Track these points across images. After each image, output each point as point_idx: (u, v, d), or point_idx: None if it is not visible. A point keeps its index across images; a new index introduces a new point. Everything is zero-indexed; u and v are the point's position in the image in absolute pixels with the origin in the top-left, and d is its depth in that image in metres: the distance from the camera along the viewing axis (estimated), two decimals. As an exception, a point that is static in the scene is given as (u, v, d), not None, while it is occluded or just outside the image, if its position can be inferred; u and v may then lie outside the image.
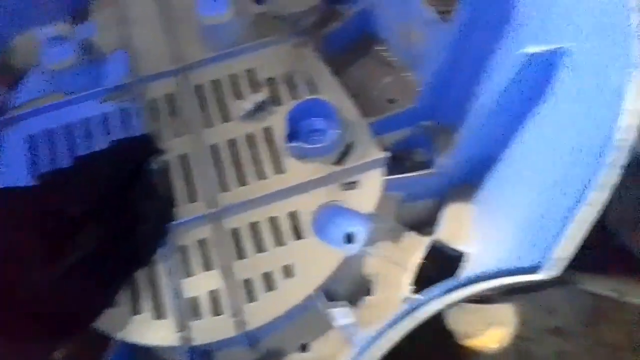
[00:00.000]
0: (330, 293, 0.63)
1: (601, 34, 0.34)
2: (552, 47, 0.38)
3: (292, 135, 0.67)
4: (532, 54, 0.38)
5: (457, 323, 0.69)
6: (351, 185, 0.65)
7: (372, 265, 0.65)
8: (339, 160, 0.66)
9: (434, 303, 0.42)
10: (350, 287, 0.65)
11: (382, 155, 0.65)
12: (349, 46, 0.80)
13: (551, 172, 0.40)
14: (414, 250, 0.65)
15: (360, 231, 0.64)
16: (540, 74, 0.40)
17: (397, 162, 0.78)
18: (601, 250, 0.58)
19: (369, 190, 0.64)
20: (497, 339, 0.67)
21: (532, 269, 0.38)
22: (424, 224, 0.69)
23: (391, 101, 0.77)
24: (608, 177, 0.32)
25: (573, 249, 0.33)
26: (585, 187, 0.33)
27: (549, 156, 0.41)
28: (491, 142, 0.54)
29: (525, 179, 0.46)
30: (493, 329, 0.67)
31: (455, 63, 0.57)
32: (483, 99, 0.47)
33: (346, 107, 0.68)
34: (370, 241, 0.64)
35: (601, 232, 0.56)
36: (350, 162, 0.65)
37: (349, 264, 0.63)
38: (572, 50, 0.37)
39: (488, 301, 0.68)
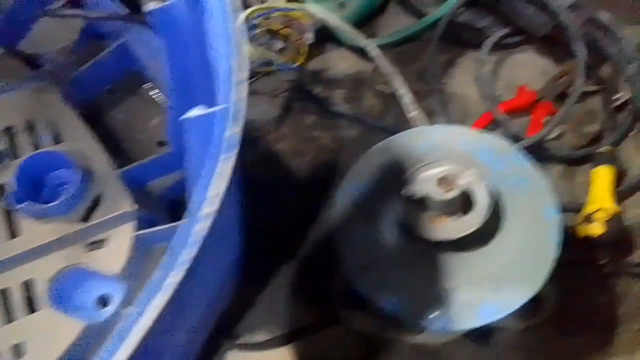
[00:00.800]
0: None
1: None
2: (210, 110, 0.36)
3: (34, 192, 0.60)
4: (195, 117, 0.36)
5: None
6: (98, 244, 0.59)
7: (135, 327, 0.60)
8: (86, 217, 0.60)
9: None
10: (109, 355, 0.59)
11: (132, 208, 0.60)
12: (113, 86, 0.74)
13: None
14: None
15: (115, 293, 0.58)
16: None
17: (179, 207, 0.74)
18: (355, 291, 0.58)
19: (118, 247, 0.58)
20: (274, 387, 0.64)
21: None
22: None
23: (161, 144, 0.72)
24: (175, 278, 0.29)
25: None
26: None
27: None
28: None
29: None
30: (271, 377, 0.65)
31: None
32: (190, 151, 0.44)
33: (94, 155, 0.62)
34: (130, 301, 0.59)
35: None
36: (97, 218, 0.59)
37: (106, 330, 0.57)
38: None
39: (263, 347, 0.65)
